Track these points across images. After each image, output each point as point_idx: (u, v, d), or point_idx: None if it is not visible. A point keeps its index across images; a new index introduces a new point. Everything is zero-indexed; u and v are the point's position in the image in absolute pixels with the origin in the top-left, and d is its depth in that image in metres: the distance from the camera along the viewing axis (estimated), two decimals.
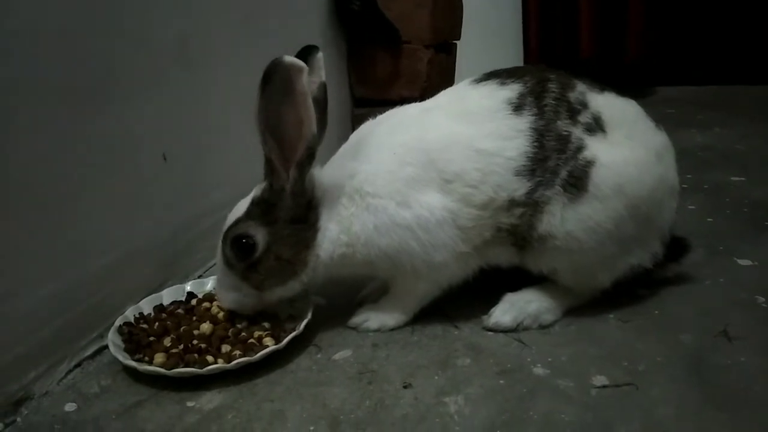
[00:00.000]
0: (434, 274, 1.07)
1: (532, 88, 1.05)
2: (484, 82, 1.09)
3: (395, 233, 1.02)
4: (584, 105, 1.05)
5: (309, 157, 1.01)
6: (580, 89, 1.06)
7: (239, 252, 1.04)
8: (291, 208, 1.03)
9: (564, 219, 1.02)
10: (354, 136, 1.15)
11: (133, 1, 1.20)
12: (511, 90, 1.05)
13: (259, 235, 1.03)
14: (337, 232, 1.05)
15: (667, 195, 1.11)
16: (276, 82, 0.94)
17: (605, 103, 1.07)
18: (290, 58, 0.94)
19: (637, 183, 1.02)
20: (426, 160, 1.03)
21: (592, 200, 1.01)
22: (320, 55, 1.06)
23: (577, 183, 1.01)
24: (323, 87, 1.05)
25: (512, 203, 1.02)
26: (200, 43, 1.42)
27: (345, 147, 1.14)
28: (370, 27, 2.19)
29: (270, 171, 1.03)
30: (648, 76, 3.62)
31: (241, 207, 1.07)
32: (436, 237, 1.02)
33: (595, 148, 1.02)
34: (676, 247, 1.17)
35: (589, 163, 1.01)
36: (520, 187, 1.02)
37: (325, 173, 1.08)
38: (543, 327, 1.10)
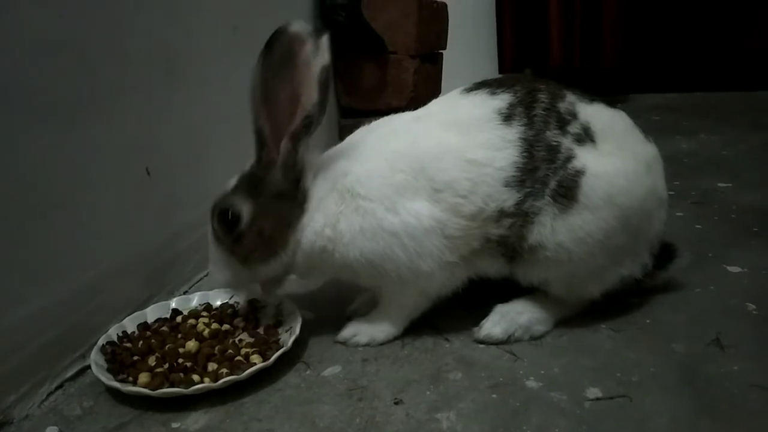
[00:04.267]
0: (421, 284, 1.05)
1: (522, 98, 1.04)
2: (474, 92, 1.09)
3: (381, 238, 1.01)
4: (574, 115, 1.04)
5: (305, 128, 1.00)
6: (570, 99, 1.06)
7: (224, 225, 1.04)
8: (279, 182, 1.03)
9: (554, 230, 1.01)
10: (348, 140, 1.14)
11: (119, 12, 1.19)
12: (502, 100, 1.05)
13: (245, 208, 1.03)
14: (322, 225, 1.04)
15: (657, 206, 1.10)
16: (277, 50, 0.94)
17: (595, 114, 1.06)
18: (295, 26, 0.93)
19: (628, 194, 1.02)
20: (417, 168, 1.02)
21: (582, 210, 1.00)
22: (326, 37, 1.03)
23: (567, 193, 1.00)
24: (326, 70, 1.01)
25: (502, 214, 1.02)
26: (186, 56, 1.40)
27: (339, 147, 1.13)
28: (356, 38, 2.19)
29: (260, 144, 1.02)
30: (627, 84, 3.65)
31: (231, 182, 1.07)
32: (423, 245, 1.01)
33: (585, 158, 1.01)
34: (662, 254, 1.16)
35: (579, 173, 1.00)
36: (509, 198, 1.01)
37: (319, 160, 1.08)
38: (534, 338, 1.09)
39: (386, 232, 1.01)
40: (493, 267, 1.08)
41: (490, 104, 1.05)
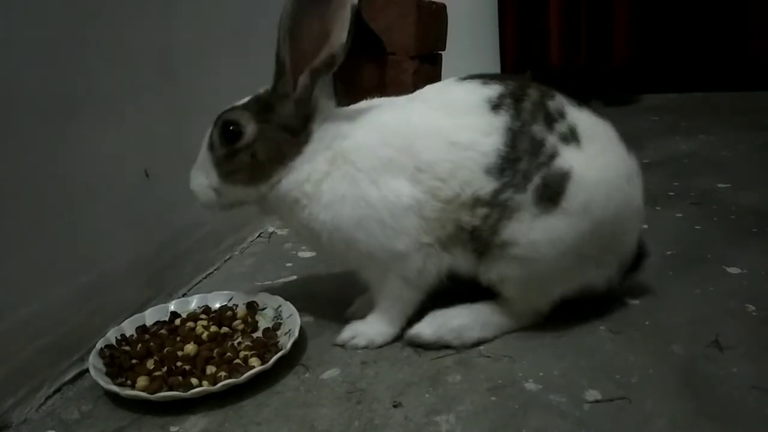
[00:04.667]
0: (396, 266, 1.05)
1: (513, 90, 1.05)
2: (468, 81, 1.10)
3: (360, 207, 1.02)
4: (562, 115, 1.04)
5: (327, 66, 1.01)
6: (560, 100, 1.06)
7: (225, 136, 1.06)
8: (289, 115, 1.05)
9: (531, 228, 1.00)
10: (353, 106, 1.14)
11: (115, 14, 1.19)
12: (492, 89, 1.05)
13: (249, 128, 1.05)
14: (305, 178, 1.05)
15: (631, 219, 1.09)
16: None
17: (582, 118, 1.06)
18: None
19: (605, 203, 1.01)
20: (405, 145, 1.03)
21: (560, 214, 1.00)
22: None
23: (554, 197, 0.99)
24: (354, 10, 1.01)
25: (477, 202, 1.01)
26: (183, 57, 1.40)
27: (352, 107, 1.13)
28: (355, 38, 2.19)
29: (279, 75, 1.04)
30: (632, 84, 3.65)
31: (243, 100, 1.08)
32: (400, 223, 1.02)
33: (570, 158, 1.01)
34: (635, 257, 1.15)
35: (565, 176, 0.99)
36: (487, 186, 1.00)
37: (331, 111, 1.09)
38: (466, 346, 1.07)
39: (367, 202, 1.02)
40: (464, 262, 1.07)
41: (480, 92, 1.05)
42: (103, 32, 1.15)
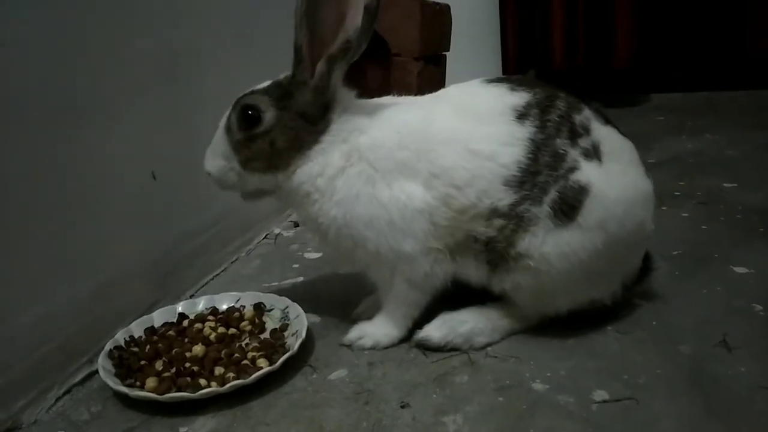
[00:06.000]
0: (403, 267, 1.04)
1: (540, 100, 1.03)
2: (496, 84, 1.08)
3: (372, 206, 1.01)
4: (587, 130, 1.03)
5: (343, 52, 0.99)
6: (586, 114, 1.05)
7: (243, 120, 1.05)
8: (307, 103, 1.03)
9: (544, 241, 1.00)
10: (375, 100, 1.13)
11: (120, 15, 1.19)
12: (520, 97, 1.03)
13: (269, 114, 1.04)
14: (318, 171, 1.04)
15: (642, 240, 1.09)
16: None
17: (606, 135, 1.05)
18: None
19: (620, 223, 1.01)
20: (422, 149, 1.02)
21: (575, 228, 0.99)
22: None
23: (570, 212, 0.99)
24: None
25: (494, 213, 1.00)
26: (189, 58, 1.41)
27: (372, 101, 1.12)
28: None
29: (297, 62, 1.03)
30: (637, 84, 3.64)
31: (263, 84, 1.07)
32: (409, 225, 1.01)
33: (589, 173, 1.00)
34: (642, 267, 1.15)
35: (584, 191, 0.99)
36: (505, 198, 1.00)
37: (351, 102, 1.08)
38: (475, 349, 1.07)
39: (379, 202, 1.01)
40: (476, 272, 1.07)
41: (507, 99, 1.03)
42: (109, 35, 1.16)
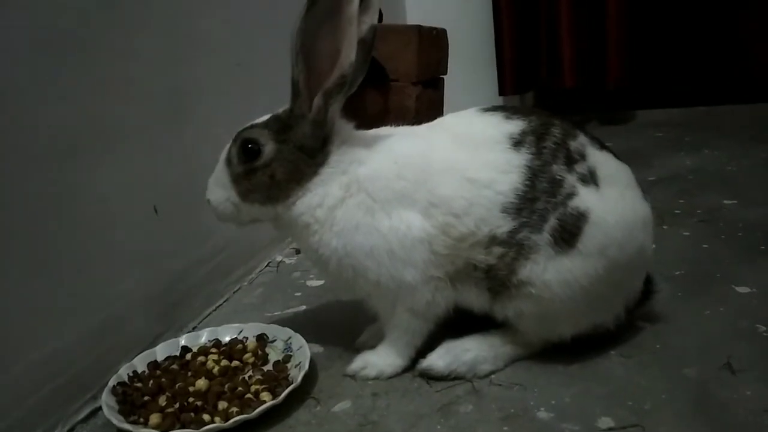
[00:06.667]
0: (404, 297, 1.05)
1: (535, 128, 1.04)
2: (491, 113, 1.09)
3: (372, 237, 1.02)
4: (582, 156, 1.04)
5: (339, 87, 1.00)
6: (581, 141, 1.06)
7: (243, 154, 1.06)
8: (306, 136, 1.04)
9: (546, 268, 1.00)
10: (373, 131, 1.14)
11: (124, 51, 1.21)
12: (515, 125, 1.05)
13: (268, 147, 1.05)
14: (317, 202, 1.04)
15: (642, 264, 1.10)
16: (323, 3, 0.95)
17: (603, 160, 1.06)
18: None
19: (621, 248, 1.01)
20: (420, 178, 1.02)
21: (576, 255, 1.00)
22: None
23: (570, 240, 0.99)
24: (373, 30, 1.01)
25: (492, 241, 1.01)
26: (193, 94, 1.43)
27: (367, 133, 1.13)
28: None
29: (295, 96, 1.04)
30: (626, 100, 3.65)
31: (263, 118, 1.09)
32: (410, 254, 1.01)
33: (588, 199, 1.01)
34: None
35: (583, 217, 1.00)
36: (504, 225, 1.00)
37: (350, 134, 1.09)
38: (479, 377, 1.07)
39: (379, 232, 1.02)
40: (477, 300, 1.07)
41: (503, 127, 1.05)
42: (113, 69, 1.17)
